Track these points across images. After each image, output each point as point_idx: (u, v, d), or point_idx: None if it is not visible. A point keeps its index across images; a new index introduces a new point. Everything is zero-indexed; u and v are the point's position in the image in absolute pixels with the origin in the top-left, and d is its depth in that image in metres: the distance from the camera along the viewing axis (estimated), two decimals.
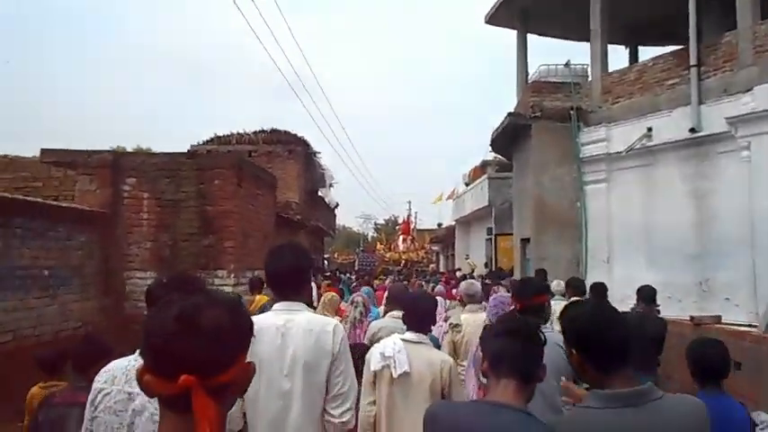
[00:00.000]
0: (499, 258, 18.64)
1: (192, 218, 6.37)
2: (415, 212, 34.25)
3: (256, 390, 2.08)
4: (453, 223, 26.97)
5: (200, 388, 0.92)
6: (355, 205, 69.18)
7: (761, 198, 7.79)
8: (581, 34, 11.89)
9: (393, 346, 2.83)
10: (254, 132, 17.15)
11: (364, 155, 66.52)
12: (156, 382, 0.95)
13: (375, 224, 61.89)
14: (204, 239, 6.34)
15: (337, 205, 23.37)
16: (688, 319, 7.56)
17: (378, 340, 3.44)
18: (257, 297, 6.29)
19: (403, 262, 23.14)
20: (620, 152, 9.82)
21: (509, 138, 11.73)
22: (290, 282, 2.31)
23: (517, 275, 11.82)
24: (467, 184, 23.94)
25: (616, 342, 1.63)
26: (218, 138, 17.10)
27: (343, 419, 2.24)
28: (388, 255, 23.38)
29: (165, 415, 1.00)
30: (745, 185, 7.99)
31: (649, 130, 9.39)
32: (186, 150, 6.61)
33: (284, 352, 2.14)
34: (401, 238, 24.65)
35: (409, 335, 2.89)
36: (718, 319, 5.27)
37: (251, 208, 6.91)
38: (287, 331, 2.17)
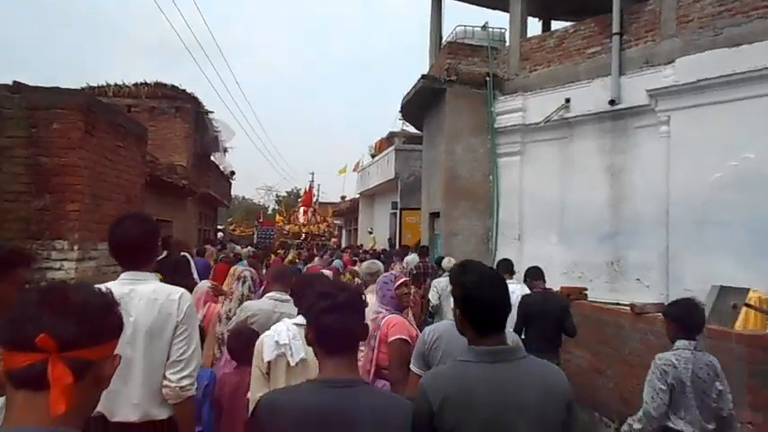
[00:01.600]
0: (404, 234, 18.02)
1: (19, 171, 4.82)
2: (318, 185, 33.02)
3: None
4: (357, 196, 26.08)
5: (57, 355, 0.91)
6: (257, 176, 66.36)
7: (678, 176, 7.48)
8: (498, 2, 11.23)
9: (287, 332, 2.62)
10: (135, 85, 15.00)
11: (267, 125, 63.69)
12: (11, 355, 0.92)
13: (277, 196, 59.88)
14: (37, 200, 4.82)
15: (233, 173, 21.55)
16: (603, 302, 7.17)
17: (251, 324, 3.35)
18: None
19: (303, 235, 21.89)
20: (537, 123, 9.26)
21: (421, 104, 10.85)
22: (134, 252, 2.31)
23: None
24: (372, 156, 23.05)
25: (494, 306, 1.79)
26: (91, 88, 14.78)
27: (182, 384, 2.26)
28: (287, 227, 22.00)
29: (13, 400, 0.94)
30: (662, 162, 7.66)
31: (567, 101, 8.88)
32: (11, 83, 4.98)
33: (126, 320, 1.88)
34: (302, 209, 23.29)
35: (302, 319, 2.50)
36: (660, 307, 4.68)
37: (107, 163, 5.44)
38: (129, 300, 2.18)
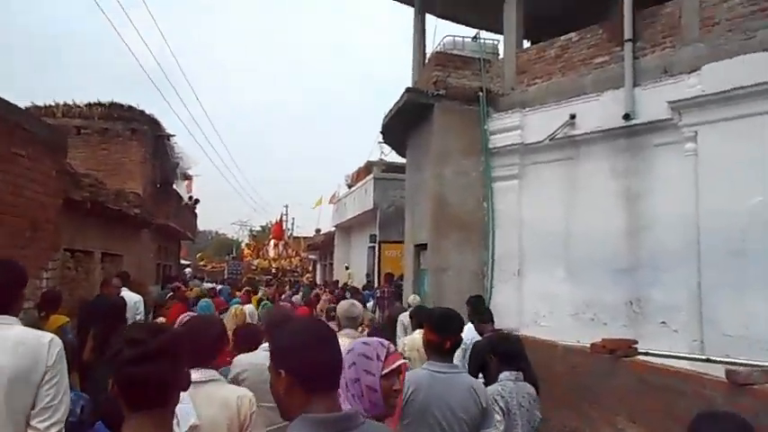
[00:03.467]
0: (383, 268, 16.63)
1: None
2: (293, 218, 31.56)
3: None
4: (333, 229, 24.71)
5: None
6: (230, 211, 64.52)
7: (709, 200, 6.36)
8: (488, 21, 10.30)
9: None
10: (88, 105, 13.61)
11: (238, 158, 62.12)
12: None
13: (251, 230, 58.34)
14: None
15: (197, 201, 20.05)
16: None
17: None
18: (52, 317, 4.68)
19: (273, 270, 20.31)
20: (537, 142, 8.14)
21: (405, 122, 9.69)
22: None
23: (408, 289, 9.78)
24: (349, 186, 21.80)
25: (329, 361, 1.47)
26: (36, 108, 13.33)
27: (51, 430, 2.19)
28: (255, 262, 20.39)
29: None
30: (689, 184, 6.54)
31: (572, 117, 7.79)
32: None
33: None
34: (272, 243, 21.71)
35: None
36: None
37: None
38: None
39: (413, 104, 8.86)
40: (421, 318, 5.02)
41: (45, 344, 2.20)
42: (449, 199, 8.64)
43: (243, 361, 3.17)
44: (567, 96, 7.95)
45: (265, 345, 3.04)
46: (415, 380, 2.53)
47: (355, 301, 4.35)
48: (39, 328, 2.63)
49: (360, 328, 4.64)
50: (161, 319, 6.47)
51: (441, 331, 2.69)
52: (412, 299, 8.18)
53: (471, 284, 8.54)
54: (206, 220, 68.50)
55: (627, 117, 7.16)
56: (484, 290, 8.52)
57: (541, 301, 8.01)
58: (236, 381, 2.98)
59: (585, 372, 5.99)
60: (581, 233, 7.65)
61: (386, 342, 1.85)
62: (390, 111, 9.55)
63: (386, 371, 1.73)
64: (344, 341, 3.43)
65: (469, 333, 4.95)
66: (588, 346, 5.80)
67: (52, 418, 2.17)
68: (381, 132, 10.79)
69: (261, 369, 2.75)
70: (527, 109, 8.44)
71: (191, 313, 4.55)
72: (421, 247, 9.49)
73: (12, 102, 3.97)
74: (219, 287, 13.80)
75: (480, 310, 5.12)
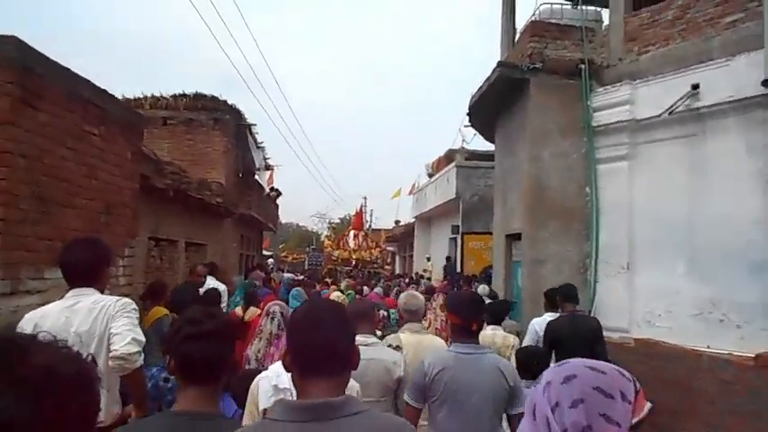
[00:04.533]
0: (466, 260, 15.89)
1: None
2: (371, 210, 31.32)
3: None
4: (413, 220, 24.16)
5: None
6: (310, 204, 65.78)
7: None
8: None
9: (288, 374, 1.83)
10: (174, 96, 13.79)
11: (320, 152, 62.90)
12: None
13: (329, 222, 59.23)
14: None
15: (279, 194, 20.09)
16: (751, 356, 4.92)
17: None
18: (153, 309, 4.58)
19: (354, 261, 20.05)
20: (652, 118, 7.13)
21: (496, 101, 8.91)
22: (81, 273, 2.39)
23: (499, 283, 9.02)
24: (430, 176, 21.14)
25: (313, 344, 1.40)
26: (126, 100, 13.66)
27: (129, 351, 2.30)
28: (336, 253, 20.21)
29: None
30: None
31: (695, 87, 6.71)
32: None
33: (67, 331, 2.20)
34: (352, 234, 21.45)
35: None
36: None
37: (66, 154, 3.76)
38: (72, 314, 2.29)
39: (505, 80, 8.07)
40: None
41: (112, 303, 2.39)
42: (546, 184, 7.80)
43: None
44: (688, 64, 6.88)
45: (357, 337, 2.66)
46: (440, 361, 2.58)
47: (416, 293, 4.08)
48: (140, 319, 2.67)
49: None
50: (252, 309, 6.21)
51: (466, 314, 2.69)
52: (481, 289, 8.13)
53: (571, 278, 7.64)
54: (287, 213, 70.25)
55: (766, 84, 6.04)
56: (586, 285, 7.64)
57: (657, 298, 7.03)
58: None
59: (745, 390, 4.99)
60: (707, 221, 6.59)
61: (626, 372, 1.21)
62: (479, 89, 8.79)
63: (637, 419, 1.10)
64: (405, 336, 3.27)
65: (544, 323, 5.02)
66: (751, 356, 4.79)
67: (126, 338, 2.30)
68: (468, 114, 10.04)
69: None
70: (638, 81, 7.42)
71: (278, 302, 4.33)
72: (513, 238, 8.70)
73: (82, 75, 3.68)
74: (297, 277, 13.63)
75: (572, 294, 5.03)
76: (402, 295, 3.95)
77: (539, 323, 5.43)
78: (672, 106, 6.76)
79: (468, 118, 10.35)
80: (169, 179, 8.45)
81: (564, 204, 7.77)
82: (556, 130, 7.85)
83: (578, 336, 4.52)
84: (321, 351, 1.38)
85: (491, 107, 9.19)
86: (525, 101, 8.03)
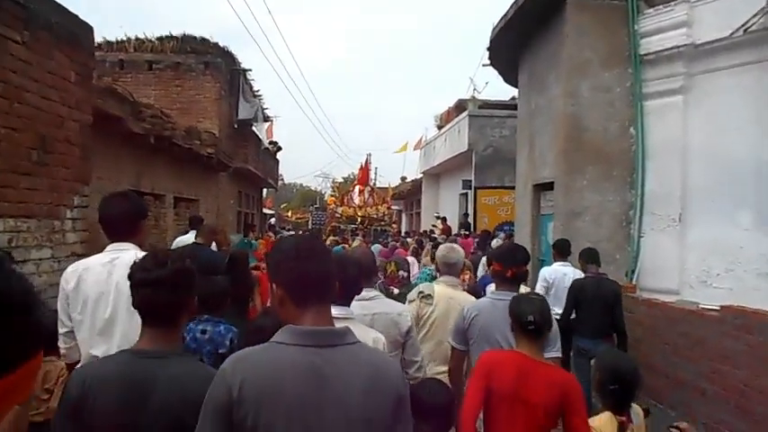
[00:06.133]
0: (479, 217, 14.90)
1: None
2: (375, 168, 30.13)
3: (81, 320, 2.25)
4: (420, 176, 23.06)
5: None
6: (315, 162, 64.14)
7: None
8: None
9: None
10: (160, 39, 12.54)
11: (326, 109, 61.15)
12: None
13: (333, 181, 58.34)
14: None
15: (279, 148, 18.95)
16: None
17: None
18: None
19: (359, 219, 19.02)
20: (718, 41, 5.97)
21: (521, 32, 7.72)
22: (119, 226, 2.40)
23: (524, 240, 8.02)
24: (439, 128, 19.92)
25: (313, 273, 1.43)
26: (108, 43, 12.45)
27: None
28: (340, 210, 19.11)
29: None
30: None
31: None
32: None
33: (109, 284, 2.25)
34: (357, 189, 20.30)
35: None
36: None
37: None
38: (112, 268, 2.28)
39: (536, 3, 6.88)
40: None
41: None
42: (584, 123, 6.71)
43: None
44: None
45: (363, 293, 2.51)
46: (477, 306, 2.81)
47: (455, 246, 3.77)
48: None
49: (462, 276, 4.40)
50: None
51: (504, 261, 2.81)
52: (495, 242, 8.42)
53: (613, 233, 6.69)
54: (290, 173, 69.13)
55: None
56: (629, 239, 6.66)
57: (715, 254, 6.03)
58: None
59: None
60: None
61: None
62: (504, 16, 7.59)
63: None
64: (441, 289, 3.21)
65: (554, 273, 5.42)
66: None
67: None
68: (488, 49, 8.84)
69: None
70: None
71: None
72: (542, 188, 7.65)
73: None
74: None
75: (594, 256, 5.15)
76: (441, 247, 3.75)
77: (548, 272, 5.57)
78: (745, 24, 5.59)
79: (487, 54, 9.14)
80: (148, 123, 7.39)
81: (604, 147, 6.70)
82: (596, 60, 6.71)
83: (600, 297, 4.72)
84: (320, 279, 1.42)
85: (516, 39, 8.00)
86: (560, 25, 6.86)
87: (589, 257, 5.18)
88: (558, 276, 5.37)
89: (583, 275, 5.16)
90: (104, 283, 2.25)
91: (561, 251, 5.63)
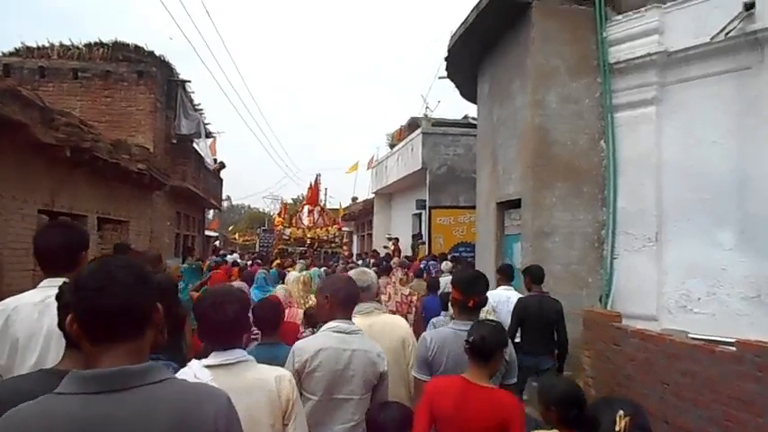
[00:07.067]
0: (434, 238, 14.32)
1: None
2: (325, 189, 29.32)
3: (9, 367, 2.00)
4: (372, 196, 22.43)
5: None
6: (263, 183, 63.15)
7: None
8: None
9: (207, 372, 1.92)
10: (87, 45, 11.49)
11: (274, 126, 60.04)
12: None
13: (281, 202, 57.15)
14: None
15: (223, 166, 17.92)
16: None
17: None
18: None
19: (308, 241, 18.17)
20: (693, 48, 5.61)
21: (482, 39, 7.22)
22: (57, 260, 2.26)
23: (488, 261, 7.42)
24: (391, 147, 19.39)
25: (105, 305, 1.16)
26: (28, 49, 11.28)
27: None
28: (288, 231, 18.20)
29: None
30: None
31: (749, 6, 5.21)
32: None
33: (41, 327, 2.08)
34: (306, 209, 19.47)
35: (214, 358, 1.95)
36: None
37: None
38: (44, 308, 2.09)
39: (499, 7, 6.39)
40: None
41: None
42: (552, 136, 6.22)
43: (309, 347, 2.43)
44: None
45: (338, 323, 2.49)
46: (440, 337, 2.72)
47: (365, 269, 3.62)
48: None
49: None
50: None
51: (465, 291, 2.79)
52: (444, 265, 8.59)
53: (584, 254, 6.18)
54: (238, 193, 67.29)
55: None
56: (602, 261, 6.15)
57: (695, 277, 5.59)
58: (303, 369, 2.39)
59: None
60: (762, 178, 5.16)
61: None
62: (465, 21, 7.07)
63: None
64: (358, 320, 2.80)
65: (498, 297, 5.20)
66: None
67: None
68: (446, 59, 8.31)
69: (336, 353, 2.41)
70: (669, 4, 5.89)
71: None
72: (507, 205, 7.10)
73: None
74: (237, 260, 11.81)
75: (539, 274, 5.06)
76: (351, 272, 3.36)
77: (492, 295, 5.08)
78: (723, 29, 5.23)
79: (444, 66, 8.60)
80: (62, 133, 6.41)
81: (573, 162, 6.22)
82: (563, 68, 6.26)
83: (543, 316, 4.74)
84: (113, 312, 1.16)
85: (477, 46, 7.50)
86: (525, 32, 6.38)
87: (535, 277, 5.08)
88: (501, 300, 5.22)
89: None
90: (35, 326, 2.06)
91: (506, 275, 5.52)
